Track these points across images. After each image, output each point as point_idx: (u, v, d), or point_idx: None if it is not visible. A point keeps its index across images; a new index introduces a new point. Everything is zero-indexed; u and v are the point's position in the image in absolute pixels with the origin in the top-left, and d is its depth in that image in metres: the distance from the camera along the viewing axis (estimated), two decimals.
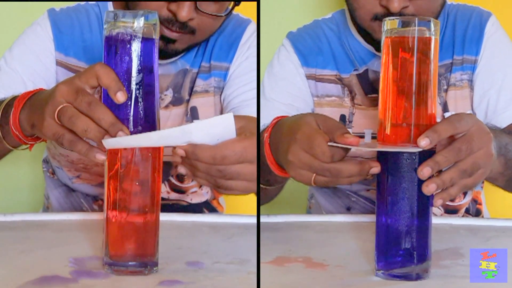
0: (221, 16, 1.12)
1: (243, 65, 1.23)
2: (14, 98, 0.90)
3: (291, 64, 1.26)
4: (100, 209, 1.30)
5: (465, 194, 1.30)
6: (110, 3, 1.22)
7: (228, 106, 1.22)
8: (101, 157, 0.80)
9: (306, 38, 1.28)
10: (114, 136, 0.78)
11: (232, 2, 1.12)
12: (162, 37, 1.10)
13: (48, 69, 1.19)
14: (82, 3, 1.24)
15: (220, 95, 1.24)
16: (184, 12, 1.07)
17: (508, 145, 0.95)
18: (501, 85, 1.19)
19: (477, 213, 1.32)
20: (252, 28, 1.25)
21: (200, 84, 1.23)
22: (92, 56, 1.20)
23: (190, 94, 1.23)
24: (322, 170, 0.83)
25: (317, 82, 1.26)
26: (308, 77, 1.26)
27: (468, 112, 1.21)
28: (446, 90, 1.22)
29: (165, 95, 1.22)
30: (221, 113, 1.25)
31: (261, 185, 1.07)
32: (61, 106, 0.79)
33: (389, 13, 1.09)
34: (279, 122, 0.94)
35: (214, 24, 1.14)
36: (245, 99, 1.19)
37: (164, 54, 1.15)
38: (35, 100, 0.86)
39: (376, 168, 0.81)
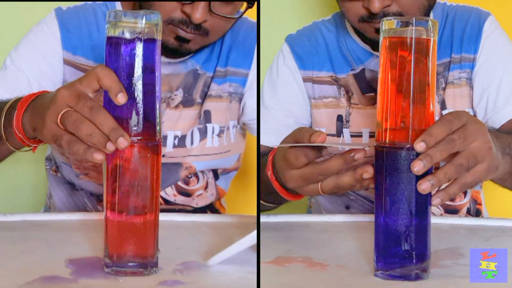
0: (234, 18, 1.13)
1: None
2: (17, 100, 0.90)
3: (288, 70, 1.28)
4: None
5: (465, 194, 1.29)
6: (118, 3, 1.22)
7: (248, 114, 1.26)
8: (98, 156, 0.79)
9: (304, 40, 1.29)
10: (115, 141, 0.78)
11: (245, 5, 1.12)
12: (177, 37, 1.11)
13: (54, 69, 1.19)
14: (90, 2, 1.23)
15: (238, 101, 1.26)
16: (198, 14, 1.07)
17: None
18: (500, 82, 1.19)
19: (477, 213, 1.31)
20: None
21: (214, 88, 1.24)
22: (100, 55, 1.19)
23: (203, 98, 1.24)
24: (313, 174, 0.88)
25: (314, 84, 1.26)
26: (305, 79, 1.26)
27: (467, 110, 1.21)
28: (444, 89, 1.22)
29: (175, 95, 1.22)
30: (238, 119, 1.28)
31: (265, 203, 1.13)
32: (65, 110, 0.80)
33: (373, 14, 1.09)
34: (275, 157, 0.97)
35: (226, 26, 1.15)
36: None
37: (177, 53, 1.16)
38: (37, 104, 0.87)
39: (367, 173, 0.84)
